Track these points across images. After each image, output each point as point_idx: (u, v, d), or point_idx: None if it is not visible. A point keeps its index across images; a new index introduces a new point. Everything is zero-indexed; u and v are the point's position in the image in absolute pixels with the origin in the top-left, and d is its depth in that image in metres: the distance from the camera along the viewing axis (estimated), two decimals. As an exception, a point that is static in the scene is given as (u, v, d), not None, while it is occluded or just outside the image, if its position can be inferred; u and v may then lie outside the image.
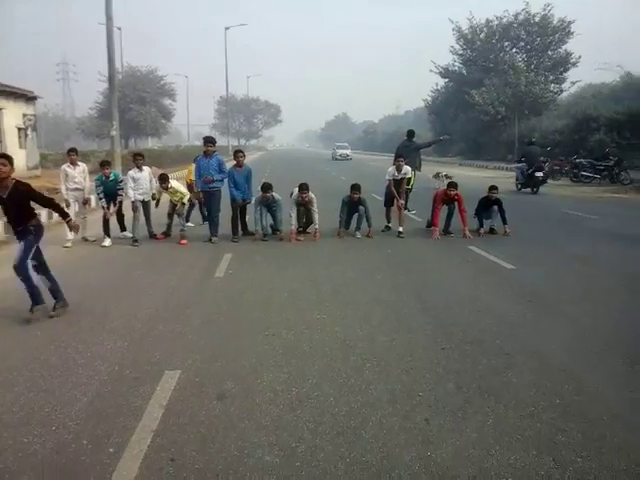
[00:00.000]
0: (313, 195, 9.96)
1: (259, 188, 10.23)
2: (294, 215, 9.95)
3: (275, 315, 5.71)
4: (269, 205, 10.09)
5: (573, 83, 44.49)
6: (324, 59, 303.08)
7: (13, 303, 6.16)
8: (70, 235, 9.66)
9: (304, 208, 10.13)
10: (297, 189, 9.98)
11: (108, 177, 9.89)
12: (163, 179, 10.06)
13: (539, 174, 19.21)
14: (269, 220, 10.33)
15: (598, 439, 3.30)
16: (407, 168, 11.12)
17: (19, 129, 19.50)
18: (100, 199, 10.10)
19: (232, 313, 5.83)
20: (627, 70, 42.58)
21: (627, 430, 3.41)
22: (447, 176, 19.94)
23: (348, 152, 53.35)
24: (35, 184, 16.69)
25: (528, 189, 19.61)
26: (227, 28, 54.91)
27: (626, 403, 3.78)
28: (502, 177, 27.52)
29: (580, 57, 43.45)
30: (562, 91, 44.79)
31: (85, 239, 10.17)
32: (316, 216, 9.93)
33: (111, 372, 4.32)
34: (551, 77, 43.96)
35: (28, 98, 20.58)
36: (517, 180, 20.48)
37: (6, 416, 3.63)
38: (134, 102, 54.14)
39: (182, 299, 6.38)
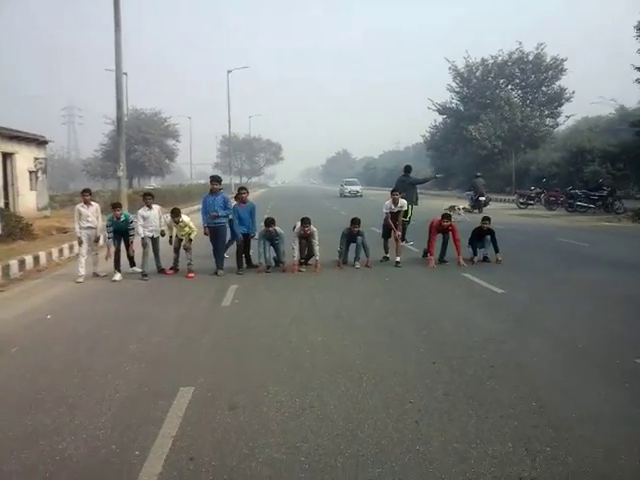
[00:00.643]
0: (314, 228, 10.49)
1: (262, 223, 10.77)
2: (296, 247, 10.46)
3: (280, 338, 6.16)
4: (272, 239, 10.60)
5: (568, 117, 45.78)
6: (324, 98, 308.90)
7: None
8: (82, 271, 10.17)
9: (305, 241, 10.64)
10: (299, 223, 10.51)
11: (119, 218, 10.41)
12: (175, 213, 10.61)
13: (482, 198, 26.75)
14: (272, 253, 10.81)
15: (567, 431, 3.73)
16: (403, 201, 11.69)
17: (30, 172, 20.24)
18: (109, 238, 10.55)
19: (239, 338, 6.28)
20: (621, 103, 43.80)
21: (593, 423, 3.85)
22: (465, 209, 21.08)
23: (358, 188, 49.21)
24: (45, 224, 17.46)
25: (476, 210, 25.33)
26: (229, 71, 56.42)
27: (594, 403, 4.22)
28: (500, 209, 28.16)
29: (574, 92, 44.78)
30: (557, 125, 46.04)
31: (96, 274, 10.64)
32: (317, 248, 10.44)
33: (131, 390, 4.75)
34: (546, 112, 45.17)
35: (39, 142, 21.41)
36: (469, 203, 26.76)
37: (41, 428, 4.06)
38: (138, 143, 55.42)
39: (192, 326, 6.84)
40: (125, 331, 6.69)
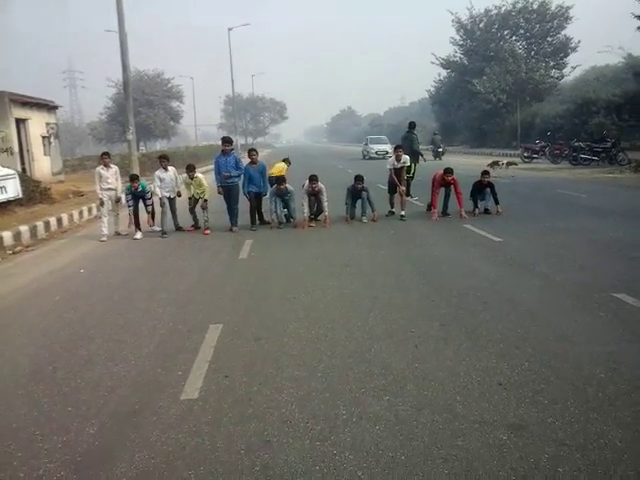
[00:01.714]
0: (322, 185, 11.03)
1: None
2: (306, 204, 11.04)
3: (294, 284, 6.81)
4: (283, 196, 11.17)
5: (573, 68, 45.10)
6: (326, 55, 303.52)
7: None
8: (105, 230, 10.83)
9: (314, 197, 11.21)
10: (308, 180, 11.05)
11: (137, 189, 10.99)
12: (190, 169, 11.21)
13: (440, 150, 33.15)
14: (283, 210, 11.40)
15: (544, 351, 4.38)
16: (406, 157, 12.15)
17: (43, 137, 20.68)
18: (129, 207, 11.13)
19: (258, 284, 6.94)
20: (629, 52, 43.15)
21: (567, 344, 4.49)
22: (509, 163, 21.26)
23: (388, 148, 36.40)
24: (61, 188, 18.07)
25: (437, 158, 31.54)
26: (230, 29, 55.66)
27: (571, 328, 4.87)
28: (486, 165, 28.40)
29: (579, 42, 44.07)
30: (563, 76, 45.46)
31: (118, 233, 11.30)
32: (325, 204, 11.01)
33: (166, 328, 5.43)
34: (551, 63, 44.66)
35: (49, 108, 21.77)
36: (432, 154, 32.03)
37: (95, 357, 4.75)
38: (142, 105, 55.34)
39: (214, 276, 7.51)
40: (153, 282, 7.37)
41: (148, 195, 11.13)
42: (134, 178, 11.16)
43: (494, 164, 20.98)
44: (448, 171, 11.33)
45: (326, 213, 11.10)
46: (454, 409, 3.55)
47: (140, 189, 11.01)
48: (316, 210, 11.52)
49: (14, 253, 9.93)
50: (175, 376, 4.28)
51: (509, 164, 21.55)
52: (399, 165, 11.93)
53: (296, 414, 3.59)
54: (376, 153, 38.19)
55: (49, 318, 5.96)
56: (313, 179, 10.96)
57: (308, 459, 3.09)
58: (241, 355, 4.63)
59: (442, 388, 3.85)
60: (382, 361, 4.34)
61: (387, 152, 34.98)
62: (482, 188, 11.59)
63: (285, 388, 3.98)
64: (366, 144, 41.28)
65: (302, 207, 11.05)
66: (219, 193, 11.29)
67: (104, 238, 10.76)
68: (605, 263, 7.19)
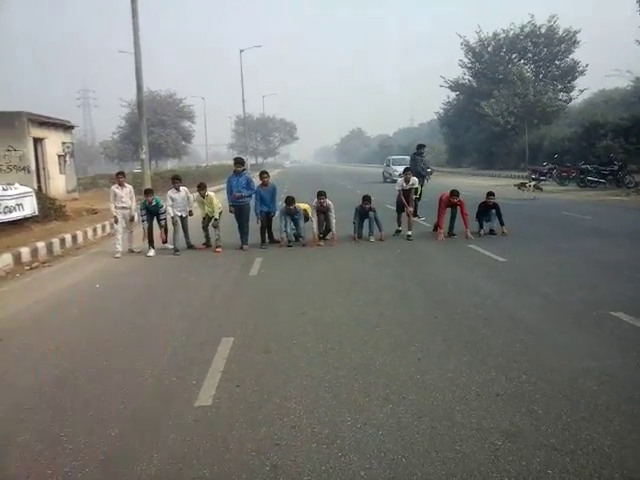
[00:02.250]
0: (330, 202, 11.34)
1: (282, 202, 11.65)
2: (315, 220, 11.35)
3: (303, 300, 7.06)
4: (292, 215, 11.46)
5: (581, 91, 45.58)
6: (337, 77, 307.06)
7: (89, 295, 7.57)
8: (119, 247, 11.14)
9: (323, 215, 11.50)
10: (316, 197, 11.37)
11: (151, 203, 11.35)
12: (202, 187, 11.56)
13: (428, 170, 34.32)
14: (292, 229, 11.68)
15: (540, 364, 4.58)
16: (414, 179, 12.48)
17: (59, 156, 21.22)
18: (143, 221, 11.49)
19: (268, 300, 7.19)
20: (637, 75, 43.52)
21: (562, 358, 4.70)
22: (536, 186, 21.60)
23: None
24: (75, 206, 18.50)
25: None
26: (242, 50, 56.85)
27: (567, 344, 5.08)
28: (513, 185, 28.66)
29: (587, 65, 44.53)
30: (571, 99, 45.88)
31: (131, 250, 11.61)
32: (333, 221, 11.31)
33: (180, 340, 5.68)
34: (559, 86, 45.11)
35: (66, 127, 22.36)
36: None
37: (114, 366, 5.01)
38: (155, 125, 56.25)
39: (226, 292, 7.77)
40: (166, 297, 7.64)
41: (162, 210, 11.46)
42: (148, 192, 11.52)
43: (522, 185, 21.69)
44: (454, 193, 11.58)
45: (334, 230, 11.38)
46: (453, 417, 3.76)
47: (154, 203, 11.35)
48: (325, 229, 11.79)
49: (31, 268, 10.24)
50: (189, 385, 4.52)
51: (536, 187, 21.87)
52: (407, 187, 12.24)
53: (304, 420, 3.82)
54: (399, 176, 33.73)
55: (68, 331, 6.23)
56: (321, 194, 11.27)
57: (315, 460, 3.31)
58: (252, 366, 4.86)
59: (442, 398, 4.06)
60: (386, 373, 4.56)
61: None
62: (487, 209, 11.83)
63: (293, 397, 4.20)
64: (388, 165, 37.39)
65: (312, 223, 11.35)
66: (230, 212, 11.60)
67: (118, 255, 11.07)
68: (605, 283, 7.38)
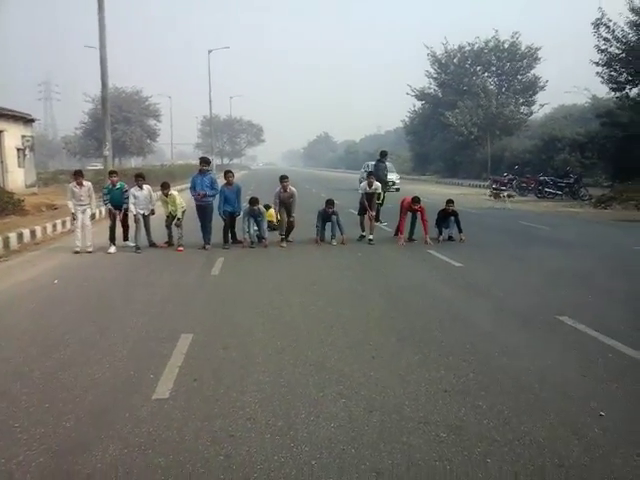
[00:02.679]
0: (294, 189, 11.57)
1: (245, 203, 11.74)
2: (276, 209, 11.75)
3: (263, 299, 7.16)
4: (255, 216, 11.55)
5: (541, 105, 47.07)
6: (305, 80, 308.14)
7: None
8: (78, 243, 11.01)
9: (284, 208, 11.64)
10: (279, 183, 11.72)
11: (115, 185, 11.31)
12: (165, 187, 11.56)
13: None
14: (255, 230, 11.74)
15: (487, 363, 4.81)
16: (377, 184, 12.72)
17: (18, 150, 20.76)
18: (106, 203, 11.51)
19: (228, 299, 7.27)
20: (594, 93, 45.13)
21: (509, 357, 4.93)
22: (510, 195, 22.80)
23: (396, 178, 30.69)
24: (34, 201, 18.13)
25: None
26: (210, 51, 56.50)
27: (514, 345, 5.34)
28: (474, 193, 29.46)
29: (547, 81, 46.01)
30: (532, 113, 47.26)
31: (87, 250, 11.27)
32: (294, 207, 11.76)
33: (140, 335, 5.71)
34: (521, 100, 46.40)
35: (26, 121, 21.89)
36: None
37: (70, 361, 5.00)
38: (119, 122, 55.42)
39: (186, 289, 7.82)
40: (126, 293, 7.63)
41: (125, 195, 11.44)
42: (113, 173, 11.58)
43: (496, 195, 22.75)
44: (416, 200, 11.86)
45: (293, 214, 11.77)
46: (402, 411, 3.93)
47: (118, 187, 11.39)
48: (286, 229, 11.88)
49: (-13, 263, 10.04)
50: (147, 378, 4.57)
51: (509, 196, 22.93)
52: (370, 190, 12.45)
53: (259, 413, 3.93)
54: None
55: (25, 324, 6.18)
56: (284, 179, 11.63)
57: (268, 450, 3.42)
58: (210, 361, 4.94)
59: (393, 394, 4.23)
60: (341, 370, 4.71)
61: (394, 183, 28.14)
62: (447, 216, 12.14)
63: (250, 391, 4.30)
64: (366, 171, 28.61)
65: (275, 207, 11.73)
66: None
67: (77, 249, 10.93)
68: (554, 289, 7.72)
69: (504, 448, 3.40)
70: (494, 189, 29.63)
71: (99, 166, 37.26)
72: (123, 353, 5.19)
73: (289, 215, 11.78)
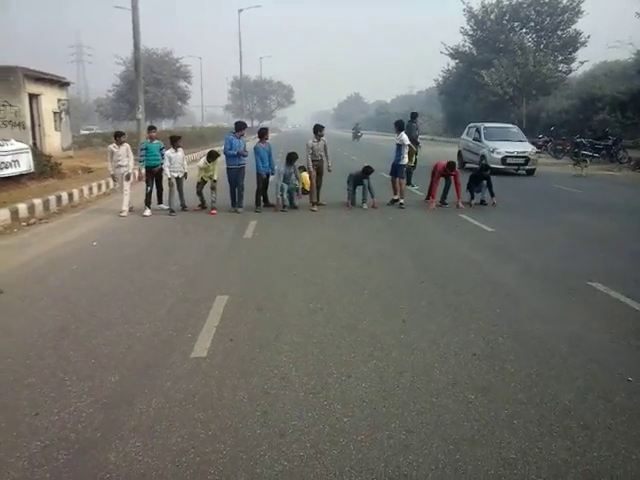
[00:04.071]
0: (326, 139, 11.76)
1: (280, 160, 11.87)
2: (310, 159, 11.73)
3: (295, 262, 7.30)
4: (288, 176, 11.61)
5: (581, 63, 45.11)
6: (336, 40, 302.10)
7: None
8: (125, 206, 11.28)
9: (317, 172, 11.74)
10: (313, 134, 11.77)
11: (153, 139, 11.57)
12: (213, 156, 11.78)
13: (359, 134, 47.57)
14: (287, 194, 11.82)
15: (517, 327, 4.89)
16: (404, 136, 12.29)
17: (54, 113, 21.08)
18: (141, 162, 11.81)
19: (261, 261, 7.43)
20: (638, 48, 43.13)
21: (538, 322, 4.99)
22: (583, 161, 19.30)
23: (529, 150, 19.66)
24: (69, 164, 18.52)
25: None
26: (240, 10, 55.90)
27: (544, 309, 5.39)
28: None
29: (589, 36, 43.97)
30: (571, 71, 45.53)
31: (123, 215, 11.57)
32: (329, 155, 11.87)
33: (177, 296, 5.92)
34: (560, 57, 44.73)
35: (61, 84, 22.14)
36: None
37: (113, 319, 5.25)
38: (150, 84, 55.28)
39: (220, 252, 8.01)
40: (163, 256, 7.86)
41: (163, 151, 11.70)
42: (151, 128, 11.80)
43: (581, 162, 19.22)
44: (451, 165, 11.68)
45: (329, 162, 11.86)
46: (431, 373, 4.05)
47: (156, 142, 11.73)
48: (317, 194, 11.94)
49: (28, 225, 10.39)
50: (185, 338, 4.78)
51: (583, 161, 19.50)
52: (396, 141, 12.24)
53: (293, 372, 4.09)
54: (504, 161, 18.56)
55: (68, 285, 6.46)
56: (319, 129, 11.70)
57: (302, 407, 3.59)
58: (245, 322, 5.12)
59: (423, 356, 4.34)
60: (371, 332, 4.84)
61: (528, 159, 19.07)
62: (479, 180, 12.02)
63: (284, 351, 4.47)
64: (477, 140, 20.07)
65: (307, 159, 11.76)
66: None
67: (124, 213, 11.20)
68: (586, 254, 7.67)
69: (531, 410, 3.50)
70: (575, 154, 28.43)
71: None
72: (162, 313, 5.41)
73: (320, 180, 11.79)
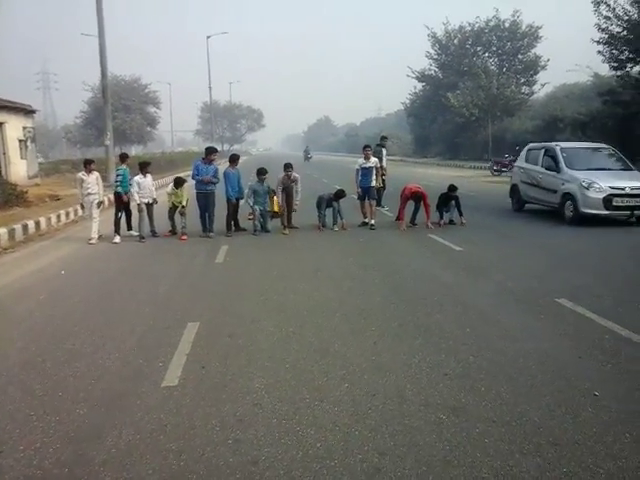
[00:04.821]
0: (298, 175, 11.63)
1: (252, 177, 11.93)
2: (280, 196, 11.81)
3: (267, 286, 7.29)
4: (260, 195, 11.64)
5: (542, 85, 46.64)
6: (305, 64, 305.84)
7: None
8: (94, 234, 11.13)
9: (286, 194, 11.80)
10: (283, 170, 11.82)
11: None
12: (179, 183, 11.80)
13: (309, 155, 51.33)
14: (259, 218, 11.81)
15: (487, 346, 4.94)
16: (374, 159, 12.47)
17: (20, 141, 20.83)
18: (116, 186, 11.73)
19: (233, 286, 7.40)
20: (595, 71, 44.72)
21: (508, 340, 5.06)
22: None
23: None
24: (36, 192, 18.23)
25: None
26: (209, 37, 56.30)
27: (513, 328, 5.47)
28: (476, 175, 29.46)
29: (549, 60, 45.57)
30: (533, 93, 46.96)
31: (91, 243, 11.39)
32: (299, 196, 11.88)
33: (147, 324, 5.85)
34: (522, 80, 46.14)
35: (27, 112, 21.93)
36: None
37: (81, 349, 5.15)
38: (119, 110, 55.14)
39: (191, 278, 7.95)
40: (133, 283, 7.77)
41: (120, 182, 11.72)
42: (125, 157, 11.79)
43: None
44: (451, 188, 12.08)
45: (297, 202, 11.90)
46: (404, 394, 4.07)
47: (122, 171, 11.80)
48: (288, 216, 11.99)
49: (-6, 254, 10.18)
50: (156, 367, 4.71)
51: None
52: (368, 165, 12.32)
53: (265, 398, 4.07)
54: (608, 204, 11.66)
55: (35, 315, 6.33)
56: (288, 166, 11.77)
57: (275, 434, 3.57)
58: (217, 349, 5.08)
59: (395, 377, 4.36)
60: (344, 355, 4.85)
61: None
62: (447, 200, 12.22)
63: (256, 377, 4.44)
64: (551, 169, 13.23)
65: (278, 198, 11.81)
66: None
67: (93, 241, 11.04)
68: (552, 271, 7.84)
69: (501, 429, 3.54)
70: (495, 170, 29.65)
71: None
72: (132, 342, 5.33)
73: (290, 203, 11.86)
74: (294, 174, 11.71)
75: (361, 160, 12.45)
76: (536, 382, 4.20)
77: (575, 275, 7.59)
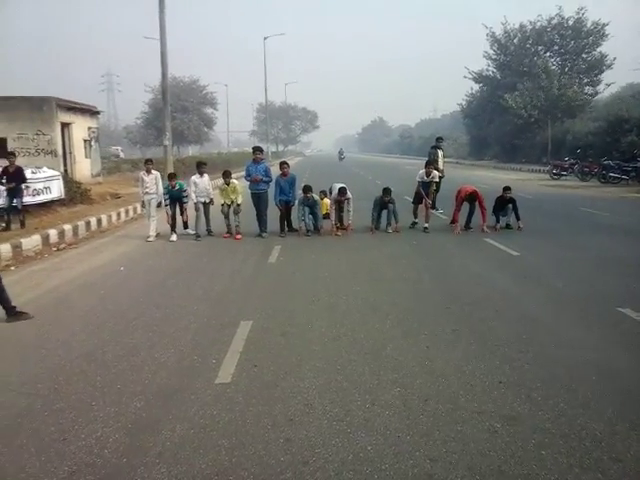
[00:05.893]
0: (350, 195, 11.60)
1: (300, 191, 11.95)
2: (333, 210, 11.81)
3: (319, 287, 7.32)
4: (310, 205, 11.72)
5: (607, 85, 44.83)
6: (361, 65, 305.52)
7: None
8: (152, 232, 11.47)
9: (338, 205, 11.82)
10: (336, 190, 11.64)
11: (174, 187, 11.67)
12: (226, 175, 11.86)
13: (342, 156, 59.78)
14: (310, 218, 11.92)
15: (544, 355, 4.80)
16: (435, 173, 12.59)
17: (85, 141, 21.68)
18: (166, 205, 11.82)
19: (285, 286, 7.47)
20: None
21: (565, 350, 4.89)
22: None
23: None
24: (98, 190, 18.93)
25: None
26: (266, 38, 56.95)
27: (571, 337, 5.28)
28: (534, 179, 28.64)
29: (615, 59, 43.75)
30: (597, 93, 45.23)
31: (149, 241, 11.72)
32: (351, 213, 11.70)
33: (202, 322, 5.98)
34: (585, 80, 44.50)
35: (92, 113, 22.81)
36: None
37: (138, 345, 5.32)
38: (177, 111, 56.55)
39: (245, 277, 8.07)
40: (189, 281, 7.95)
41: (185, 194, 11.79)
42: (172, 176, 11.88)
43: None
44: (506, 189, 11.90)
45: (350, 220, 11.74)
46: (457, 401, 4.00)
47: (177, 187, 11.69)
48: (341, 219, 12.06)
49: (59, 250, 10.65)
50: (210, 363, 4.81)
51: None
52: (428, 180, 12.35)
53: (316, 399, 4.08)
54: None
55: (96, 309, 6.58)
56: (342, 191, 11.60)
57: (325, 435, 3.58)
58: (269, 348, 5.14)
59: (448, 383, 4.29)
60: (395, 358, 4.81)
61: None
62: (504, 203, 11.94)
63: (307, 377, 4.47)
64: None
65: (330, 214, 11.82)
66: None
67: (150, 239, 11.39)
68: (615, 279, 7.51)
69: (559, 441, 3.42)
70: (554, 173, 28.72)
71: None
72: (187, 339, 5.46)
73: (341, 210, 11.93)
74: (348, 194, 11.68)
75: (422, 173, 12.53)
76: (596, 394, 4.04)
77: (638, 283, 7.25)
